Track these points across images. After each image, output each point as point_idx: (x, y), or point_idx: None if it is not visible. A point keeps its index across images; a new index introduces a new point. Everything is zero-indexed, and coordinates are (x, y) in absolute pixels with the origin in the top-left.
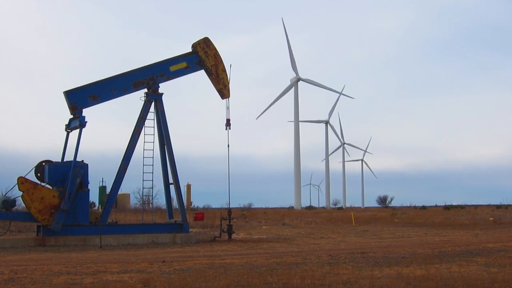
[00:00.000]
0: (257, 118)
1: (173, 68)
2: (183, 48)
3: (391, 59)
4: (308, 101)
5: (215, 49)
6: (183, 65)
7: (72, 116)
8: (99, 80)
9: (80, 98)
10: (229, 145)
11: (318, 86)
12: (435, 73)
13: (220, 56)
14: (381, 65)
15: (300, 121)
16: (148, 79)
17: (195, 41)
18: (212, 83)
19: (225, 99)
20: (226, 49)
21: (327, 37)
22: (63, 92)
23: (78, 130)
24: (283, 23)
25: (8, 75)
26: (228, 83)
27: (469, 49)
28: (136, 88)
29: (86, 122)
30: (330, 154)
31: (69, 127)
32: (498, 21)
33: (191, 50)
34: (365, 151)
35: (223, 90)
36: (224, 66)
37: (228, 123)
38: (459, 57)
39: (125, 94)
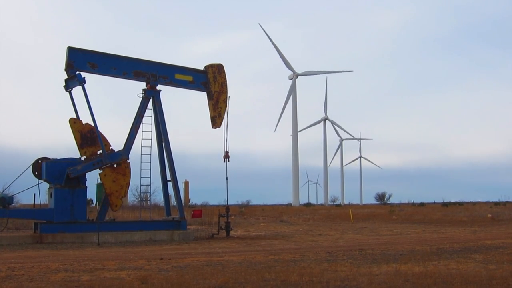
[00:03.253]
0: (275, 130)
1: (178, 77)
2: (181, 44)
3: (389, 55)
4: (306, 97)
5: (225, 78)
6: (188, 78)
7: (66, 77)
8: (105, 53)
9: (80, 60)
10: (228, 170)
11: (317, 73)
12: (434, 69)
13: (226, 87)
14: (380, 61)
15: (299, 131)
16: (151, 74)
17: (209, 63)
18: (209, 108)
19: (216, 128)
20: (224, 45)
21: (324, 33)
22: (68, 47)
23: (81, 89)
24: (261, 28)
25: (5, 71)
26: (224, 114)
27: (468, 45)
28: (136, 77)
29: (84, 77)
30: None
31: (68, 88)
32: (498, 17)
33: (202, 69)
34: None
35: (217, 119)
36: (226, 97)
37: (226, 156)
38: (458, 53)
39: (123, 78)
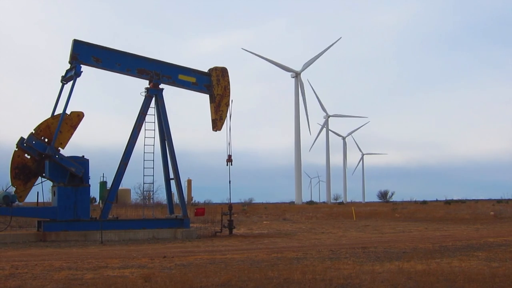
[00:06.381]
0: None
1: (181, 77)
2: (185, 42)
3: (391, 53)
4: (307, 96)
5: (228, 82)
6: (192, 79)
7: (69, 67)
8: (110, 48)
9: (85, 53)
10: (230, 169)
11: (315, 59)
12: (436, 66)
13: (229, 90)
14: (382, 59)
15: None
16: (154, 73)
17: (213, 66)
18: (211, 110)
19: (217, 132)
20: (227, 43)
21: (326, 31)
22: (73, 39)
23: (72, 80)
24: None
25: (7, 69)
26: (225, 118)
27: (471, 43)
28: (139, 74)
29: (82, 72)
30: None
31: (64, 78)
32: (501, 14)
33: (206, 71)
34: (363, 154)
35: (218, 121)
36: (228, 101)
37: (229, 159)
38: (460, 50)
39: (126, 75)
